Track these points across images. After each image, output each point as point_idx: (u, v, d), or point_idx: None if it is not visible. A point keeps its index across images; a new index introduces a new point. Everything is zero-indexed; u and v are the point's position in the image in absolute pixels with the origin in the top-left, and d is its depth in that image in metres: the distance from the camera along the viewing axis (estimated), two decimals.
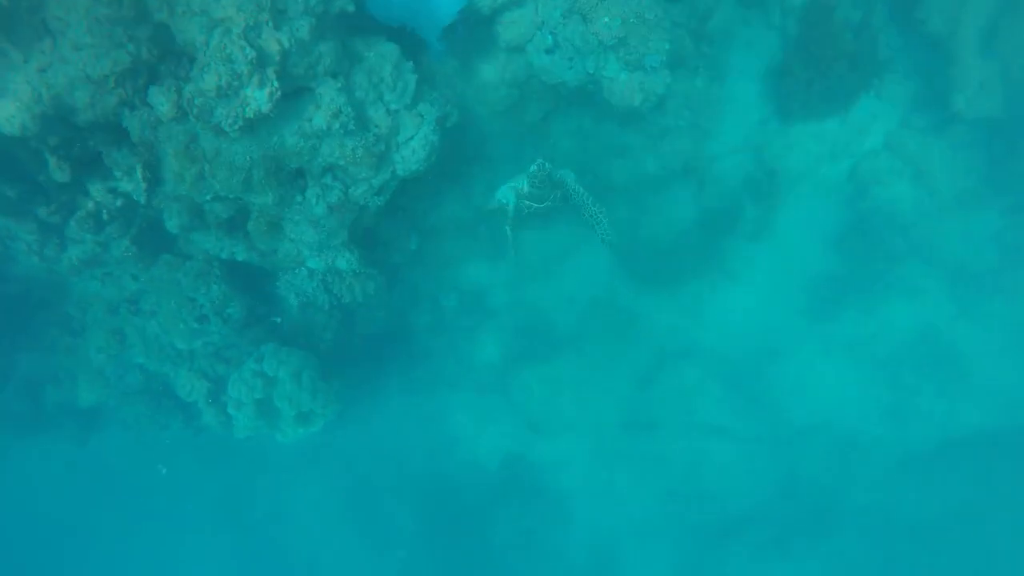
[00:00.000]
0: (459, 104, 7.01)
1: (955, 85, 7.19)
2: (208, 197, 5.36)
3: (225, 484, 13.12)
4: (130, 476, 12.15)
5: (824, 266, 9.55)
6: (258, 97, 4.70)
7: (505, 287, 10.42)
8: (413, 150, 5.98)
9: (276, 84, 4.76)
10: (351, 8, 5.28)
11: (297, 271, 7.08)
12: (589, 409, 11.27)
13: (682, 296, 9.94)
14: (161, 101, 4.65)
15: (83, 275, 7.95)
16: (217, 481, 12.96)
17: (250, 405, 8.00)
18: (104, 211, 6.55)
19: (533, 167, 6.55)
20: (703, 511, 11.77)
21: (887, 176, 8.28)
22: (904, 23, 7.28)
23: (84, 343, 8.65)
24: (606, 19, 6.28)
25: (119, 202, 6.49)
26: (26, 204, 6.23)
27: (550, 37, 6.50)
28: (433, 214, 8.58)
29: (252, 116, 4.78)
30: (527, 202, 6.92)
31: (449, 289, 10.35)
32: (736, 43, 7.99)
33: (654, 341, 10.52)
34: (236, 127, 4.84)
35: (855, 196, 8.75)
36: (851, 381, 10.34)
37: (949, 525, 10.34)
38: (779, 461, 11.16)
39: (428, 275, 9.87)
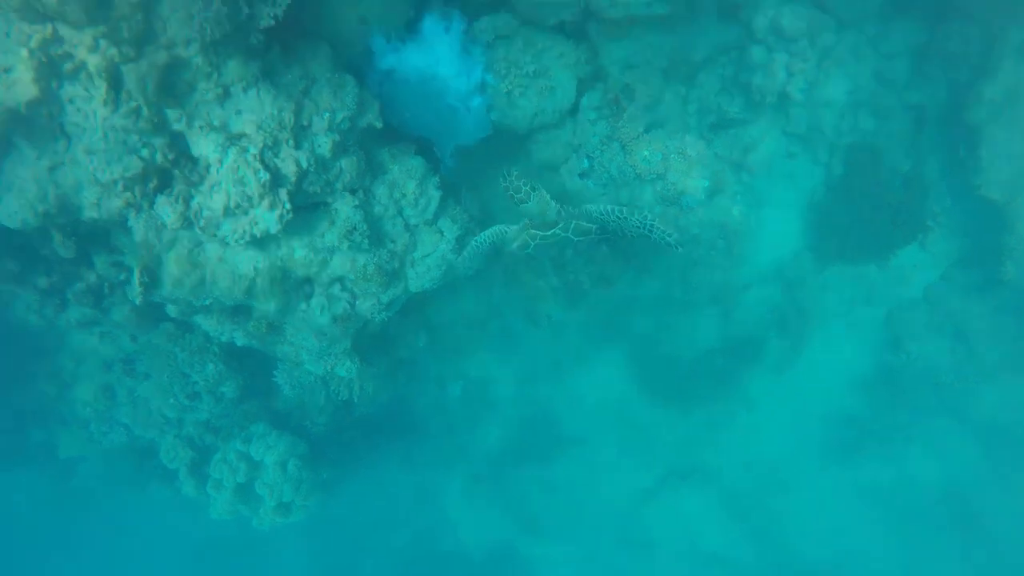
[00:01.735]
0: (485, 212, 6.77)
1: (1008, 253, 6.79)
2: (207, 302, 5.11)
3: (205, 542, 12.74)
4: (110, 519, 11.85)
5: (846, 408, 9.08)
6: (267, 219, 4.47)
7: (513, 380, 10.07)
8: (428, 268, 5.70)
9: (288, 206, 4.53)
10: (379, 124, 5.08)
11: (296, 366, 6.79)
12: (584, 517, 10.75)
13: (696, 417, 9.50)
14: (167, 212, 4.44)
15: (82, 331, 7.75)
16: (197, 538, 12.60)
17: (230, 489, 7.65)
18: (105, 284, 6.36)
19: (500, 180, 5.18)
20: None
21: (924, 331, 7.83)
22: (957, 182, 6.94)
23: (72, 395, 8.41)
24: (646, 152, 6.03)
25: (122, 275, 6.29)
26: (27, 274, 6.06)
27: (586, 161, 6.26)
28: (445, 312, 8.30)
29: (259, 235, 4.54)
30: (537, 233, 5.33)
31: (455, 376, 10.04)
32: (778, 174, 7.71)
33: (660, 457, 10.06)
34: (243, 242, 4.61)
35: (888, 344, 8.31)
36: (865, 529, 9.72)
37: None
38: None
39: (434, 360, 9.58)
